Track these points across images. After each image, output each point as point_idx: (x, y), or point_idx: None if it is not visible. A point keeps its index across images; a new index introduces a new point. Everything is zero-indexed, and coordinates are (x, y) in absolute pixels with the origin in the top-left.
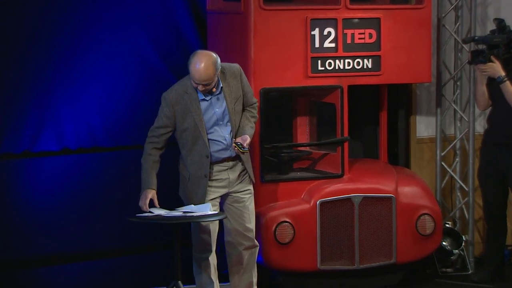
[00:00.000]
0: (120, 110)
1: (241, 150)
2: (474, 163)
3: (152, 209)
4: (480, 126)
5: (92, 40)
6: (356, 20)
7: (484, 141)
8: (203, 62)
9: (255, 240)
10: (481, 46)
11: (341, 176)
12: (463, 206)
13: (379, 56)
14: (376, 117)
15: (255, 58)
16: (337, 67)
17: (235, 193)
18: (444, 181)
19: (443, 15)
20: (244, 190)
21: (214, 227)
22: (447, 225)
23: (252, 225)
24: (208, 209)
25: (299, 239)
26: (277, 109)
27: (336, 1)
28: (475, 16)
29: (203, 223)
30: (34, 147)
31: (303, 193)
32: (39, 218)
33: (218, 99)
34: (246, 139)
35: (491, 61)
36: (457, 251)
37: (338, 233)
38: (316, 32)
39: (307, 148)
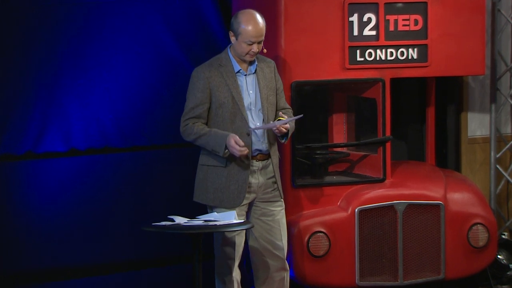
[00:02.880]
0: (134, 106)
1: (280, 119)
2: None
3: (173, 217)
4: None
5: (104, 27)
6: (400, 4)
7: None
8: (256, 16)
9: (286, 263)
10: None
11: (382, 180)
12: None
13: (426, 45)
14: (423, 114)
15: (285, 48)
16: (378, 58)
17: (262, 202)
18: (500, 186)
19: None
20: (274, 201)
21: (239, 240)
22: (502, 236)
23: (283, 243)
24: (233, 217)
25: (335, 252)
26: (311, 105)
27: None
28: None
29: (227, 235)
30: (38, 147)
31: (339, 199)
32: (43, 227)
33: (252, 80)
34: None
35: None
36: None
37: (379, 244)
38: (354, 18)
39: (344, 149)
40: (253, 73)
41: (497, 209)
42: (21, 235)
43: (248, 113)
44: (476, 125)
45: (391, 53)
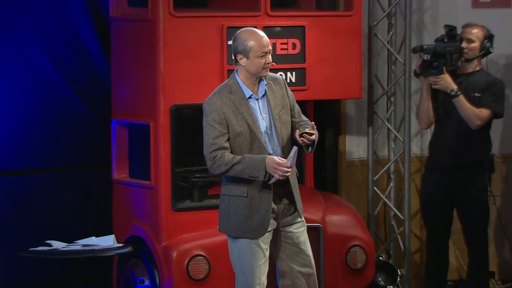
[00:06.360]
0: (10, 130)
1: (309, 133)
2: (410, 188)
3: (50, 242)
4: (417, 147)
5: None
6: (278, 28)
7: (429, 164)
8: (255, 29)
9: (316, 283)
10: (426, 56)
11: None
12: (398, 237)
13: (304, 69)
14: None
15: (164, 71)
16: None
17: (284, 226)
18: (377, 209)
19: (374, 23)
20: (294, 223)
21: (264, 269)
22: (380, 258)
23: (312, 263)
24: (111, 241)
25: (215, 275)
26: (190, 129)
27: (255, 7)
28: (410, 24)
29: (250, 267)
30: None
31: None
32: None
33: (264, 103)
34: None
35: (443, 73)
36: (391, 287)
37: None
38: None
39: None
40: (263, 96)
41: (375, 231)
42: None
43: (266, 138)
44: (354, 148)
45: None
